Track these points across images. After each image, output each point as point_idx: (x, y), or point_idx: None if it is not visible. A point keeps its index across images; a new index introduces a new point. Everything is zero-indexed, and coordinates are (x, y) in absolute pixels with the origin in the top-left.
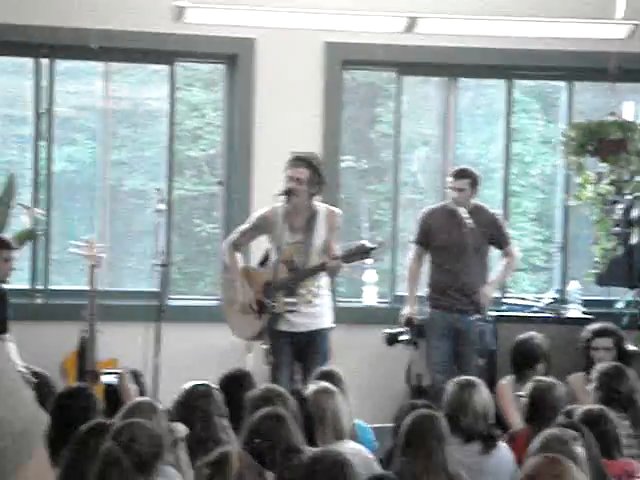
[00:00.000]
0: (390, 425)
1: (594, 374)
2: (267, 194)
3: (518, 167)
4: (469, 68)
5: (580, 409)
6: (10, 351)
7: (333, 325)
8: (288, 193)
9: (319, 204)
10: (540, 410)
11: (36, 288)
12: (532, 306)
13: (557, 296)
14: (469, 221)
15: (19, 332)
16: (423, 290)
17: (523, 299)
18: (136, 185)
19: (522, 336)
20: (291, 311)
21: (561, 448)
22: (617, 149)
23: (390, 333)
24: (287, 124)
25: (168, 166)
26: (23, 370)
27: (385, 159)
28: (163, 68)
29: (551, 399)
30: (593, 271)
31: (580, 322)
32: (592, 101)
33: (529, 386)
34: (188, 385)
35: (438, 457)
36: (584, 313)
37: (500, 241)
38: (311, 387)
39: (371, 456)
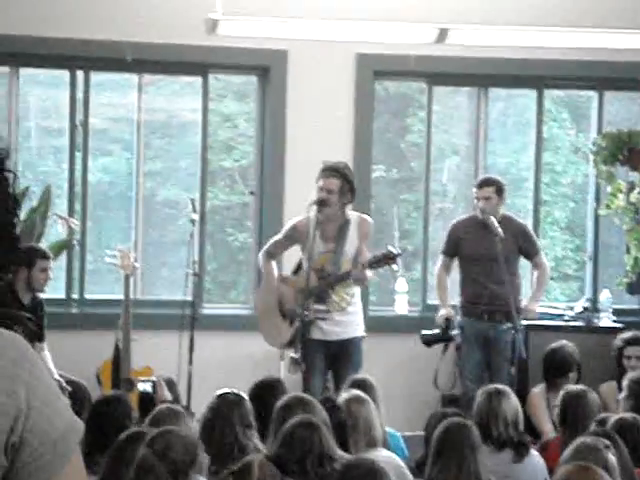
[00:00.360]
0: (420, 433)
1: (625, 382)
2: (299, 204)
3: (549, 176)
4: (499, 78)
5: (613, 417)
6: (46, 360)
7: (365, 334)
8: (320, 203)
9: (351, 212)
10: (572, 418)
11: (71, 297)
12: (563, 315)
13: (588, 305)
14: (500, 230)
15: (55, 341)
16: (455, 299)
17: (554, 308)
18: (170, 195)
19: (553, 345)
20: (322, 319)
21: (593, 456)
22: None
23: (427, 334)
24: (319, 135)
25: (201, 176)
26: (58, 379)
27: (416, 169)
28: (196, 80)
29: (583, 407)
30: (624, 280)
31: (611, 331)
32: (622, 111)
33: (561, 395)
34: (218, 393)
35: (470, 466)
36: (615, 322)
37: (529, 251)
38: (344, 395)
39: (403, 464)
